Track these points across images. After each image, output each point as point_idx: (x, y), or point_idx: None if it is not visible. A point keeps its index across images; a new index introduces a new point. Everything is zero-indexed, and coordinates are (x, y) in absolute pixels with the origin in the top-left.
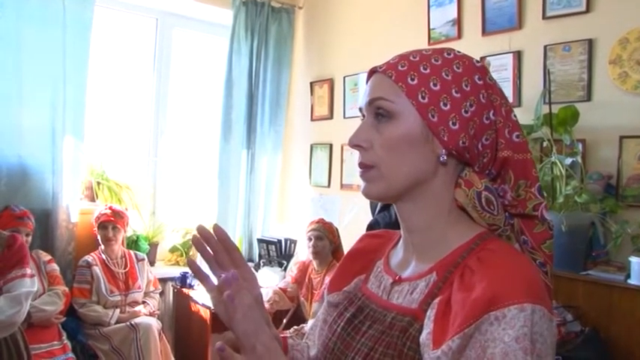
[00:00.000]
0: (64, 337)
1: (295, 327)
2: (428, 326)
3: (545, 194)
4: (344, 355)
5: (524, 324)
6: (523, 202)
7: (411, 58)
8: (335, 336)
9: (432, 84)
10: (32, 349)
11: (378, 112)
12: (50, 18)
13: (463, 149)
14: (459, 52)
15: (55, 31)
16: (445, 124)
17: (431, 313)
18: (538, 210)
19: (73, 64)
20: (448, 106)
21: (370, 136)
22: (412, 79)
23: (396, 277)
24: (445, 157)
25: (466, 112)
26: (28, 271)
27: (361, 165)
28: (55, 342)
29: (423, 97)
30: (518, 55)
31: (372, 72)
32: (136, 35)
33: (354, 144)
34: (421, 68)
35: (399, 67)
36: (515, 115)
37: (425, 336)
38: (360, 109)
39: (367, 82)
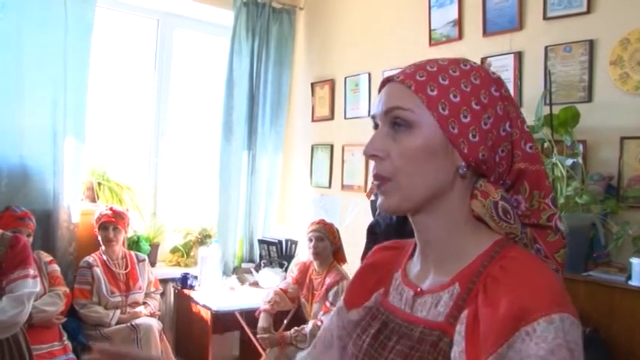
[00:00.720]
0: (65, 337)
1: (296, 327)
2: (459, 343)
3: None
4: None
5: (555, 335)
6: (537, 212)
7: (428, 68)
8: (362, 353)
9: (452, 95)
10: (33, 350)
11: (395, 121)
12: (51, 19)
13: (482, 161)
14: (474, 62)
15: (57, 32)
16: (465, 137)
17: (460, 329)
18: (552, 220)
19: (74, 65)
20: (468, 119)
21: (387, 146)
22: (432, 90)
23: (418, 290)
24: (465, 170)
25: (485, 124)
26: (31, 271)
27: (377, 177)
28: (56, 343)
29: (444, 109)
30: (519, 56)
31: (387, 81)
32: (137, 36)
33: (370, 154)
34: (440, 79)
35: (418, 77)
36: (527, 127)
37: (458, 354)
38: (373, 118)
39: (380, 90)
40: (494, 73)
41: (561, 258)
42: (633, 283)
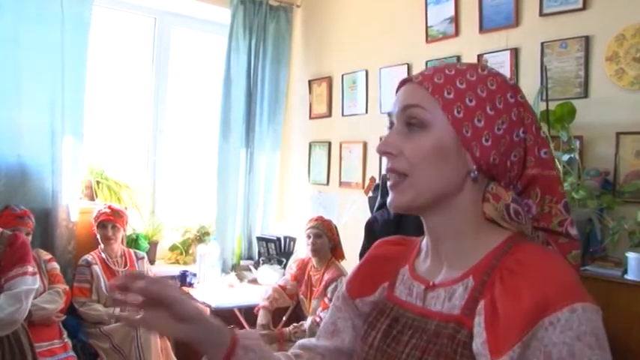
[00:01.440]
0: (65, 335)
1: (295, 324)
2: (480, 334)
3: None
4: None
5: (580, 323)
6: (548, 217)
7: (447, 71)
8: (373, 349)
9: (467, 100)
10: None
11: (410, 121)
12: (49, 17)
13: (493, 165)
14: (491, 69)
15: (54, 30)
16: (478, 140)
17: (479, 320)
18: (563, 226)
19: (71, 64)
20: (482, 123)
21: (400, 144)
22: (449, 93)
23: (430, 284)
24: (476, 173)
25: (499, 129)
26: (30, 269)
27: (392, 170)
28: (56, 340)
29: (459, 112)
30: (515, 53)
31: (406, 81)
32: (134, 35)
33: (383, 150)
34: (457, 83)
35: (436, 80)
36: (544, 132)
37: (480, 345)
38: (389, 115)
39: (397, 90)
40: (511, 79)
41: (574, 259)
42: (629, 277)
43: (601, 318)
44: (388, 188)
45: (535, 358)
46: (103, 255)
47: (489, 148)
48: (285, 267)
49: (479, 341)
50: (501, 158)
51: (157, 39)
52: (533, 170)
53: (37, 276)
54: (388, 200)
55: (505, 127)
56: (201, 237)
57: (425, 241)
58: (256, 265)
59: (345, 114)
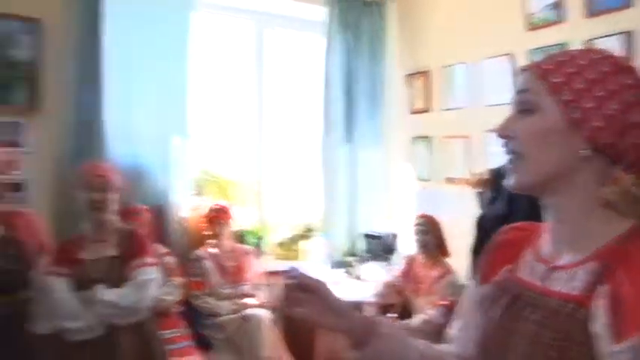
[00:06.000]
0: (184, 326)
1: (402, 322)
2: (602, 317)
3: None
4: (506, 340)
5: None
6: None
7: (559, 57)
8: (494, 323)
9: (576, 82)
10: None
11: (522, 105)
12: (154, 25)
13: (605, 145)
14: (606, 51)
15: (160, 35)
16: (587, 121)
17: (602, 303)
18: None
19: (176, 68)
20: (591, 104)
21: (514, 127)
22: (557, 77)
23: (551, 266)
24: (586, 153)
25: (609, 109)
26: (151, 260)
27: (510, 152)
28: (176, 330)
29: (567, 94)
30: (628, 37)
31: (523, 70)
32: (234, 36)
33: (499, 133)
34: (567, 67)
35: (546, 65)
36: None
37: (601, 327)
38: (512, 104)
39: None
40: (626, 60)
41: None
42: None
43: None
44: (507, 170)
45: None
46: (214, 250)
47: (600, 129)
48: (390, 263)
49: (600, 323)
50: (615, 139)
51: (256, 40)
52: None
53: (158, 267)
54: (508, 182)
55: (618, 107)
56: (308, 233)
57: (547, 225)
58: (362, 262)
59: (445, 108)
